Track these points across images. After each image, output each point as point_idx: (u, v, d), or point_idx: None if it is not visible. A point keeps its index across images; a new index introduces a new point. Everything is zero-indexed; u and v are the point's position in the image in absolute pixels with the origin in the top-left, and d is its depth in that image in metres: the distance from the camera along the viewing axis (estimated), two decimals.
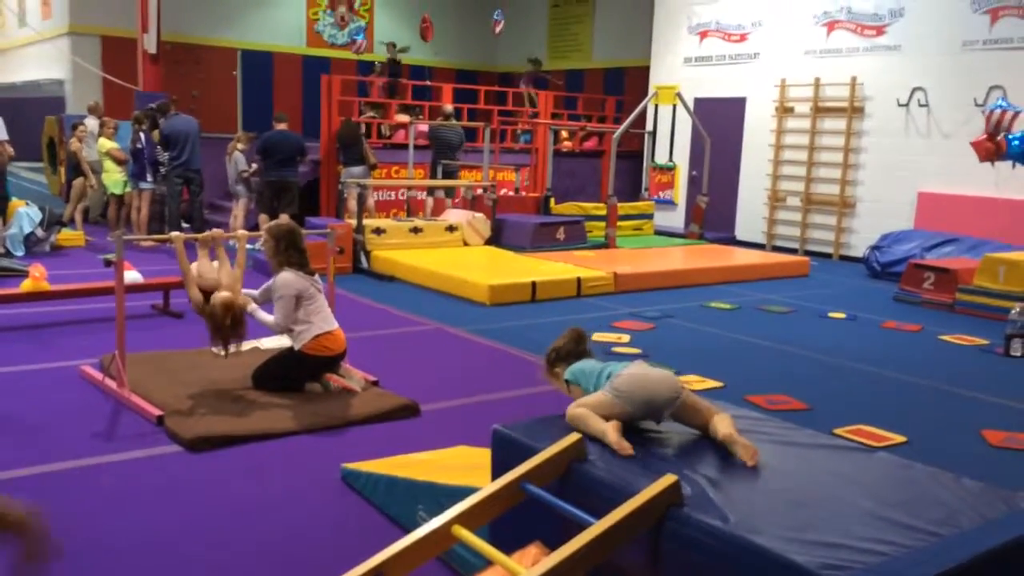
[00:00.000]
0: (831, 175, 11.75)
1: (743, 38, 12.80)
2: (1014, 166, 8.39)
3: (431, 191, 11.54)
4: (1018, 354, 6.29)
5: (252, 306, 4.79)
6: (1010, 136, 7.92)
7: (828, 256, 11.72)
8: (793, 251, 11.92)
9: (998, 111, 8.01)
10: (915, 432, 4.55)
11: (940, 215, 10.42)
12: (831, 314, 7.75)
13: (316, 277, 4.86)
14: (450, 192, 11.53)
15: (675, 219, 13.46)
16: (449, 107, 12.14)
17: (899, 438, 4.45)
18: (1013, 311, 6.43)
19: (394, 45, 14.52)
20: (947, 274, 8.30)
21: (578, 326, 3.13)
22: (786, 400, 5.04)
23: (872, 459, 2.57)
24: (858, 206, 11.53)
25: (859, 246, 11.24)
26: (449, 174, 11.57)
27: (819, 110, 11.82)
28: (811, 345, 6.52)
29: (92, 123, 11.30)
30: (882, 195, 11.20)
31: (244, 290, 4.83)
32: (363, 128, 11.84)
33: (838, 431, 4.44)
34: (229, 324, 4.61)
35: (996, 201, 9.95)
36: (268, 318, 4.77)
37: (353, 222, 9.40)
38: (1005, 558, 1.93)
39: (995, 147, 7.98)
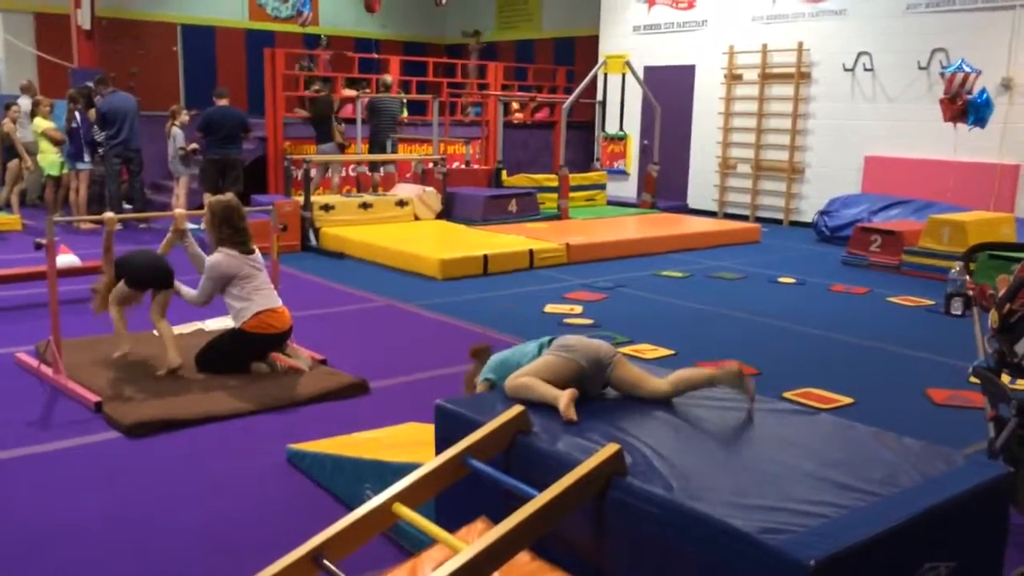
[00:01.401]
0: (780, 141, 11.83)
1: (691, 5, 12.76)
2: (970, 128, 8.49)
3: (379, 166, 11.37)
4: (958, 313, 6.40)
5: (177, 283, 4.75)
6: (974, 96, 8.02)
7: (778, 222, 11.82)
8: (744, 218, 12.00)
9: (961, 73, 8.10)
10: (862, 393, 4.60)
11: (886, 179, 10.55)
12: (781, 279, 7.82)
13: (256, 255, 4.74)
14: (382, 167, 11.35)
15: (627, 189, 13.46)
16: (388, 77, 11.91)
17: (846, 400, 4.50)
18: (952, 271, 6.53)
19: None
20: (893, 236, 8.41)
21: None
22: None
23: (816, 421, 2.57)
24: (806, 172, 11.63)
25: (808, 211, 11.35)
26: (384, 147, 11.34)
27: (767, 77, 11.86)
28: (761, 311, 6.57)
29: (25, 103, 10.93)
30: (830, 160, 11.30)
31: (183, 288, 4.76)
32: (336, 105, 11.54)
33: (787, 395, 4.48)
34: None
35: (941, 163, 10.10)
36: (189, 292, 4.71)
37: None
38: (944, 516, 1.94)
39: (959, 108, 8.09)
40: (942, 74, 8.67)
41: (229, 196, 4.93)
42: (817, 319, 6.33)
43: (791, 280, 7.79)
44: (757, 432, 2.42)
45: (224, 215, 4.67)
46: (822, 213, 10.57)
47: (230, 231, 4.67)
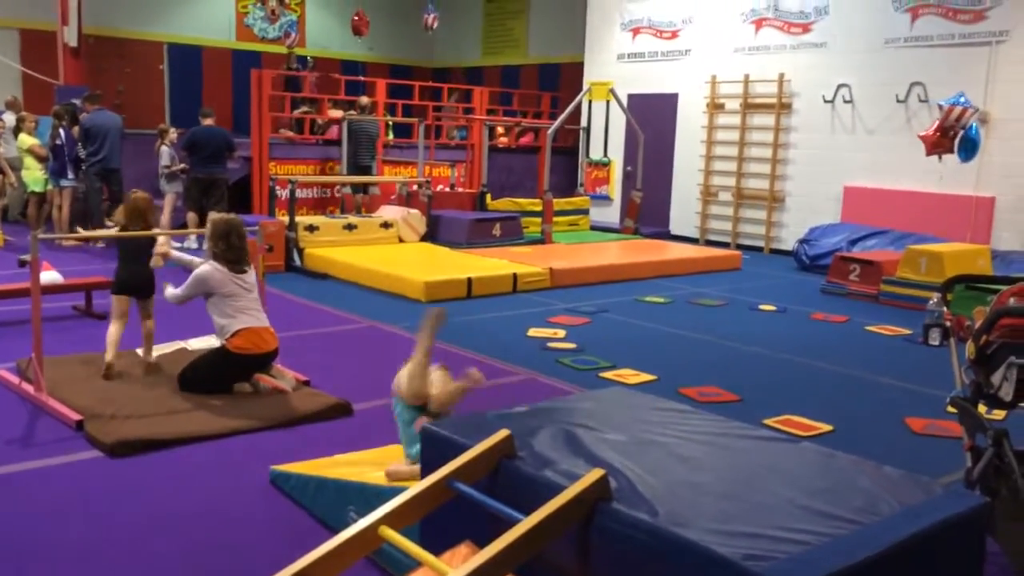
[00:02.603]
0: (761, 170, 11.98)
1: (674, 35, 12.95)
2: (963, 161, 8.57)
3: (364, 188, 11.40)
4: (936, 343, 6.49)
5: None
6: (967, 131, 8.11)
7: (759, 250, 11.94)
8: (725, 245, 12.11)
9: (958, 107, 8.19)
10: (841, 421, 4.65)
11: (865, 209, 10.70)
12: (762, 306, 7.90)
13: (247, 275, 4.76)
14: (367, 189, 11.40)
15: (611, 214, 13.56)
16: (366, 99, 11.95)
17: (826, 427, 4.54)
18: (931, 301, 6.62)
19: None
20: (872, 266, 8.53)
21: None
22: (717, 392, 5.11)
23: (797, 449, 2.60)
24: (787, 200, 11.78)
25: (788, 240, 11.48)
26: (366, 169, 11.36)
27: (748, 106, 12.03)
28: (742, 337, 6.63)
29: (10, 119, 10.89)
30: (810, 189, 11.45)
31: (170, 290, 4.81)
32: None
33: (767, 422, 4.52)
34: None
35: (918, 195, 10.26)
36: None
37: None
38: (923, 544, 1.97)
39: (948, 141, 8.18)
40: (940, 106, 8.78)
41: (232, 215, 5.06)
42: (797, 346, 6.39)
43: (772, 307, 7.87)
44: (740, 459, 2.45)
45: (223, 232, 4.74)
46: (802, 242, 10.69)
47: (224, 247, 4.73)
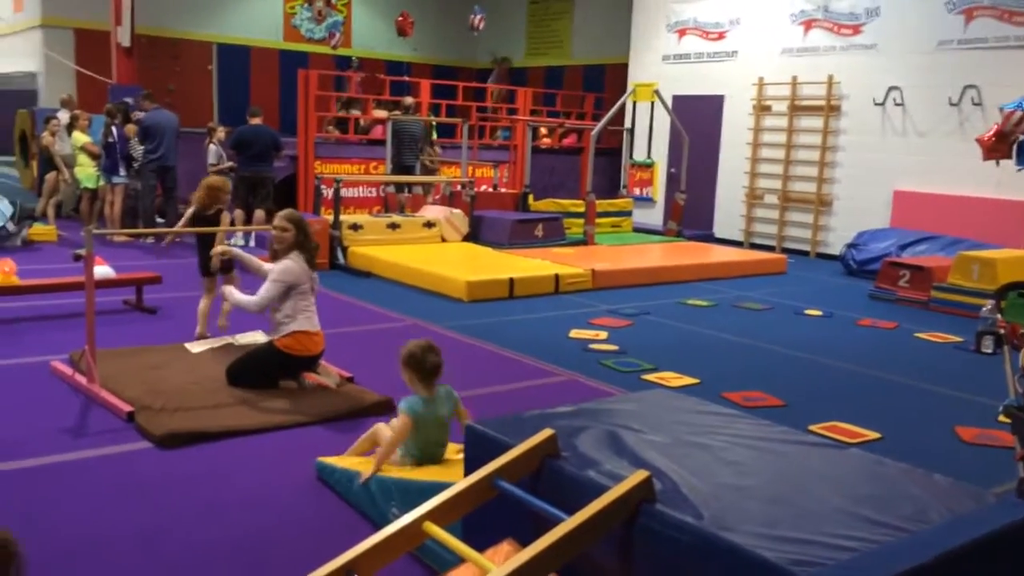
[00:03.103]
0: (808, 173, 11.82)
1: (721, 36, 12.84)
2: (1020, 169, 8.36)
3: (408, 187, 11.47)
4: (989, 351, 6.35)
5: (228, 288, 4.86)
6: None
7: (805, 254, 11.78)
8: (770, 249, 11.97)
9: (1020, 111, 7.99)
10: (889, 429, 4.58)
11: (916, 213, 10.50)
12: (807, 311, 7.79)
13: (316, 275, 4.84)
14: (427, 188, 11.49)
15: (654, 216, 13.48)
16: (410, 99, 12.02)
17: (873, 435, 4.47)
18: (984, 308, 6.48)
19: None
20: (922, 272, 8.37)
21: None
22: (762, 397, 5.05)
23: (845, 455, 2.57)
24: (835, 204, 11.60)
25: (836, 244, 11.31)
26: (410, 168, 11.44)
27: (796, 108, 11.88)
28: (787, 342, 6.55)
29: (64, 116, 11.14)
30: (858, 193, 11.27)
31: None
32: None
33: (813, 428, 4.46)
34: None
35: (971, 199, 10.05)
36: (243, 298, 4.70)
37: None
38: (973, 554, 1.94)
39: (1005, 146, 7.97)
40: (1001, 109, 8.57)
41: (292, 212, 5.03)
42: (844, 352, 6.30)
43: (817, 312, 7.76)
44: (787, 464, 2.43)
45: (306, 228, 4.79)
46: (850, 246, 10.53)
47: (304, 237, 4.75)
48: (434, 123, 13.31)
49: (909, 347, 6.66)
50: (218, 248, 5.29)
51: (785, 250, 11.81)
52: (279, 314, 4.68)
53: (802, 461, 2.46)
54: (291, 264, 4.69)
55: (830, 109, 11.45)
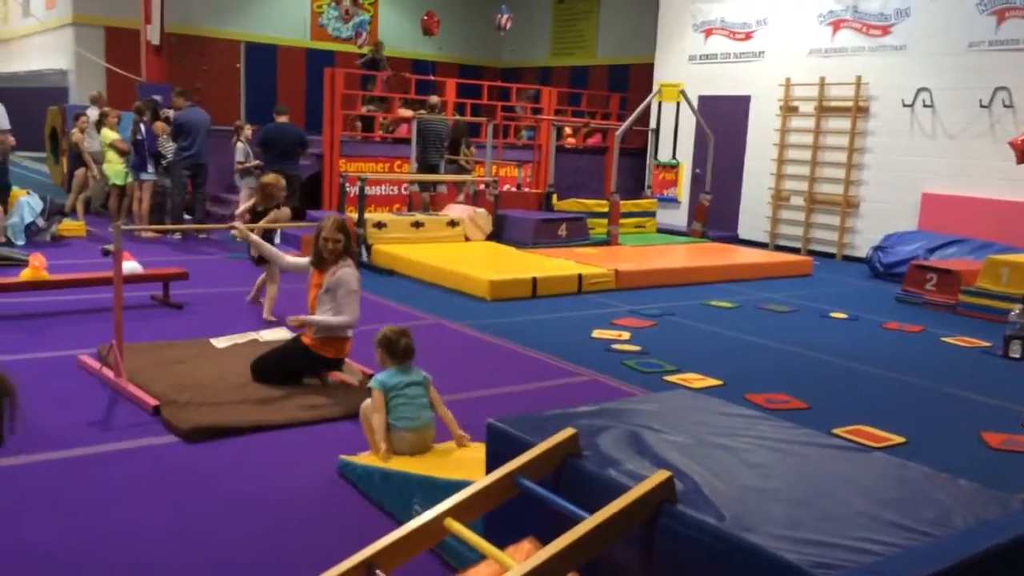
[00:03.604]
0: (835, 175, 11.72)
1: (748, 36, 12.76)
2: None
3: (433, 186, 11.51)
4: (1017, 356, 6.27)
5: (313, 318, 4.68)
6: None
7: (831, 256, 11.69)
8: (796, 251, 11.89)
9: None
10: (914, 433, 4.53)
11: (944, 216, 10.38)
12: (833, 314, 7.73)
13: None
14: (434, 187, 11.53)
15: (678, 217, 13.44)
16: (435, 98, 12.05)
17: (898, 439, 4.43)
18: (1013, 313, 6.40)
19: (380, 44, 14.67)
20: (950, 275, 8.27)
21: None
22: (785, 399, 5.02)
23: (868, 459, 2.55)
24: (862, 206, 11.50)
25: (862, 246, 11.21)
26: (434, 167, 11.47)
27: (823, 109, 11.78)
28: (812, 345, 6.50)
29: (94, 113, 11.29)
30: (886, 196, 11.16)
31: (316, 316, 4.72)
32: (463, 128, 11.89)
33: (837, 431, 4.43)
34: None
35: (1000, 203, 9.92)
36: (333, 320, 4.63)
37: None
38: (998, 559, 1.91)
39: None
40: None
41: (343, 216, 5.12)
42: (869, 356, 6.24)
43: (843, 315, 7.69)
44: (810, 467, 2.41)
45: (348, 230, 4.81)
46: (876, 249, 10.43)
47: (350, 243, 4.79)
48: (466, 123, 13.33)
49: (936, 351, 6.59)
50: (234, 231, 5.44)
51: (811, 252, 11.72)
52: (331, 318, 4.65)
53: (825, 464, 2.44)
54: (354, 271, 4.74)
55: (858, 110, 11.35)
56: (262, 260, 6.13)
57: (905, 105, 10.85)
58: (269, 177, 6.67)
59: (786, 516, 2.02)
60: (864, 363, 6.03)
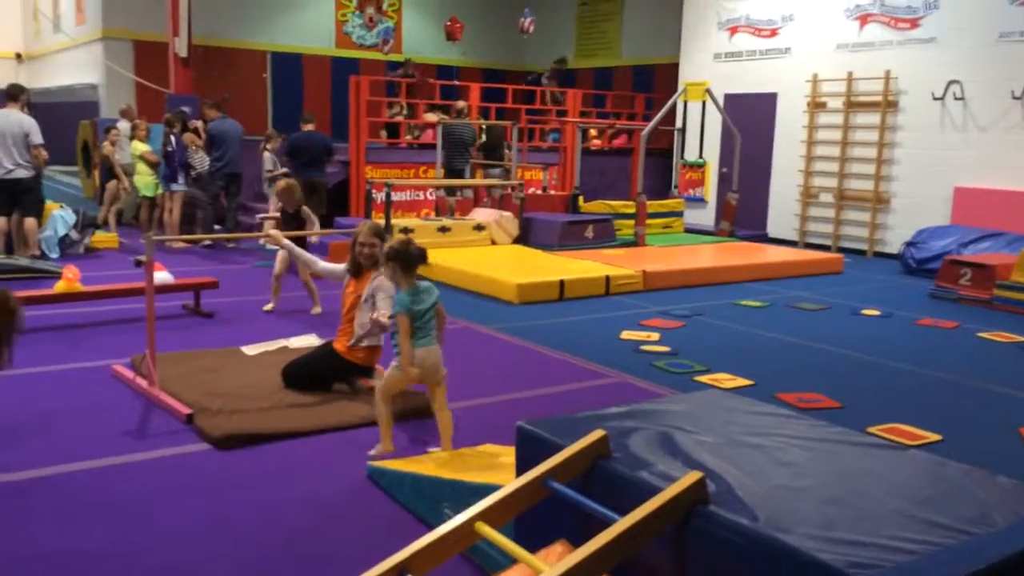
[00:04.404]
0: (865, 171, 11.58)
1: (774, 33, 12.66)
2: None
3: (456, 190, 11.54)
4: None
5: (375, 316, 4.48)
6: None
7: (862, 253, 11.55)
8: (826, 248, 11.76)
9: None
10: (951, 431, 4.46)
11: (977, 210, 10.22)
12: (865, 311, 7.63)
13: None
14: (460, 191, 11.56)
15: (705, 216, 13.35)
16: (462, 103, 12.08)
17: (934, 436, 4.36)
18: None
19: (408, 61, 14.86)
20: (984, 270, 8.14)
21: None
22: (818, 398, 4.97)
23: (904, 457, 2.51)
24: (893, 202, 11.35)
25: (894, 242, 11.06)
26: (460, 172, 11.49)
27: (852, 105, 11.65)
28: (844, 343, 6.42)
29: (124, 126, 11.45)
30: (917, 190, 11.01)
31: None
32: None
33: (871, 429, 4.37)
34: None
35: None
36: (383, 321, 4.39)
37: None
38: None
39: None
40: None
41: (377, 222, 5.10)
42: (903, 353, 6.16)
43: (876, 312, 7.60)
44: (844, 466, 2.38)
45: (384, 235, 4.79)
46: (909, 244, 10.29)
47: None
48: (483, 126, 13.36)
49: (971, 347, 6.48)
50: (263, 240, 5.50)
51: (841, 249, 11.59)
52: (365, 319, 4.59)
53: (859, 462, 2.40)
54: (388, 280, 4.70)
55: (887, 105, 11.21)
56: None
57: (935, 98, 10.70)
58: (279, 182, 7.00)
59: (820, 516, 2.00)
60: (898, 360, 5.95)
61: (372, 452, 3.89)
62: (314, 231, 6.90)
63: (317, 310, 6.87)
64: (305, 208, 6.83)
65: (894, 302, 8.14)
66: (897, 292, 8.80)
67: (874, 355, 6.09)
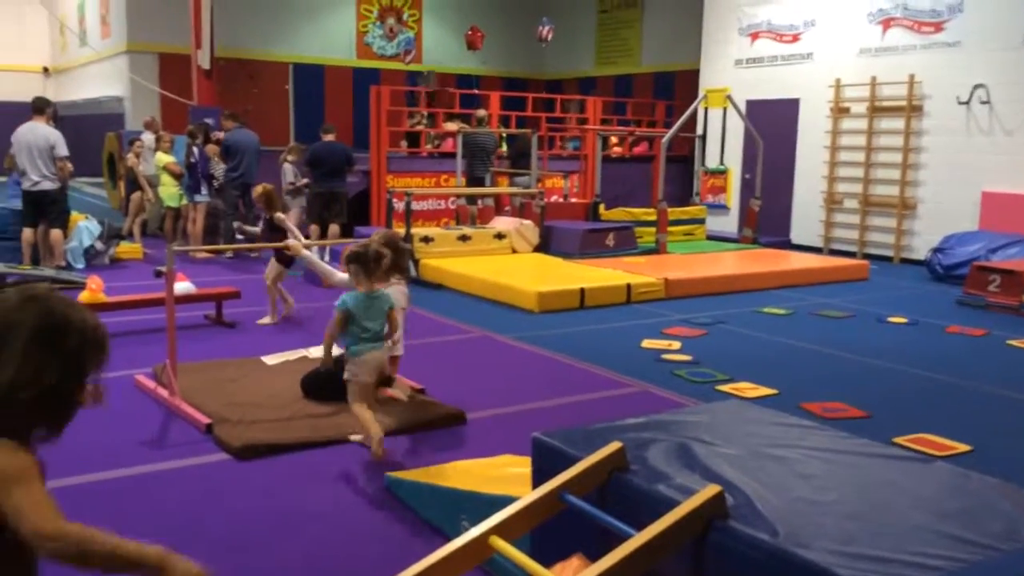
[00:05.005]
0: (890, 176, 11.45)
1: (795, 38, 12.57)
2: None
3: (477, 199, 11.54)
4: None
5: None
6: None
7: (888, 259, 11.41)
8: (851, 254, 11.64)
9: None
10: (980, 441, 4.37)
11: (1006, 215, 10.06)
12: (891, 319, 7.53)
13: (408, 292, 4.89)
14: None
15: (728, 223, 13.26)
16: (482, 112, 12.09)
17: (963, 447, 4.28)
18: None
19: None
20: (1013, 276, 8.01)
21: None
22: (844, 408, 4.89)
23: (929, 469, 2.45)
24: (919, 207, 11.21)
25: (921, 248, 10.92)
26: (480, 180, 11.48)
27: (876, 110, 11.54)
28: (870, 351, 6.33)
29: (149, 138, 11.57)
30: (944, 196, 10.87)
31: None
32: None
33: (898, 440, 4.29)
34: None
35: None
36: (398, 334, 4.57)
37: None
38: None
39: None
40: None
41: (394, 231, 5.10)
42: (931, 361, 6.06)
43: (902, 320, 7.49)
44: (866, 478, 2.33)
45: (396, 244, 4.75)
46: (936, 251, 10.15)
47: (399, 258, 4.72)
48: (503, 135, 13.37)
49: (1000, 355, 6.37)
50: (292, 248, 5.51)
51: (867, 255, 11.46)
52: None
53: (883, 474, 2.35)
54: (403, 288, 4.72)
55: (912, 109, 11.09)
56: (282, 258, 6.65)
57: (961, 103, 10.56)
58: (258, 189, 6.96)
59: (842, 530, 1.95)
60: (925, 368, 5.86)
61: (357, 437, 4.11)
62: (288, 241, 6.53)
63: (268, 320, 6.82)
64: (279, 215, 6.78)
65: (921, 309, 8.02)
66: (924, 299, 8.68)
67: (901, 363, 5.99)
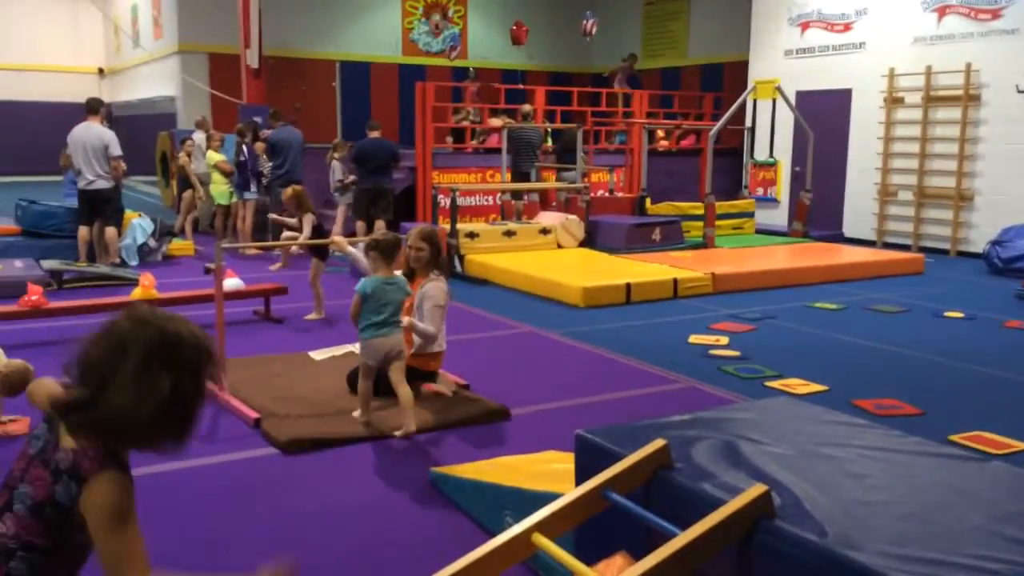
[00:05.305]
0: (946, 167, 11.16)
1: (847, 28, 12.31)
2: None
3: (522, 194, 11.51)
4: None
5: (408, 319, 4.54)
6: None
7: (944, 252, 11.12)
8: (906, 248, 11.36)
9: None
10: None
11: None
12: (948, 313, 7.33)
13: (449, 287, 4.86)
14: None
15: (778, 217, 13.04)
16: (528, 107, 12.06)
17: (1021, 445, 4.14)
18: None
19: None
20: None
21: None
22: (897, 405, 4.77)
23: (987, 468, 2.37)
24: (976, 199, 10.91)
25: (979, 241, 10.62)
26: (526, 175, 11.45)
27: (931, 99, 11.24)
28: (926, 346, 6.17)
29: (200, 137, 11.76)
30: (1003, 187, 10.56)
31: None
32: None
33: (953, 438, 4.18)
34: None
35: None
36: (425, 328, 4.54)
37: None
38: None
39: None
40: None
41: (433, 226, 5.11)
42: (988, 357, 5.88)
43: (959, 314, 7.29)
44: (920, 478, 2.26)
45: (434, 239, 4.75)
46: (995, 243, 9.86)
47: (437, 253, 4.71)
48: (549, 129, 13.33)
49: None
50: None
51: (922, 249, 11.18)
52: (429, 329, 4.57)
53: (938, 474, 2.28)
54: (442, 284, 4.67)
55: (968, 99, 10.78)
56: (317, 252, 6.88)
57: (1020, 91, 10.24)
58: (288, 191, 7.24)
59: (894, 532, 1.89)
60: (983, 364, 5.69)
61: (400, 433, 4.18)
62: (299, 241, 7.10)
63: (314, 316, 6.86)
64: (274, 216, 7.11)
65: (979, 303, 7.80)
66: (982, 293, 8.44)
67: (957, 359, 5.83)
